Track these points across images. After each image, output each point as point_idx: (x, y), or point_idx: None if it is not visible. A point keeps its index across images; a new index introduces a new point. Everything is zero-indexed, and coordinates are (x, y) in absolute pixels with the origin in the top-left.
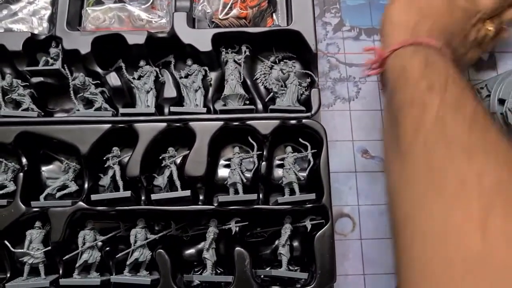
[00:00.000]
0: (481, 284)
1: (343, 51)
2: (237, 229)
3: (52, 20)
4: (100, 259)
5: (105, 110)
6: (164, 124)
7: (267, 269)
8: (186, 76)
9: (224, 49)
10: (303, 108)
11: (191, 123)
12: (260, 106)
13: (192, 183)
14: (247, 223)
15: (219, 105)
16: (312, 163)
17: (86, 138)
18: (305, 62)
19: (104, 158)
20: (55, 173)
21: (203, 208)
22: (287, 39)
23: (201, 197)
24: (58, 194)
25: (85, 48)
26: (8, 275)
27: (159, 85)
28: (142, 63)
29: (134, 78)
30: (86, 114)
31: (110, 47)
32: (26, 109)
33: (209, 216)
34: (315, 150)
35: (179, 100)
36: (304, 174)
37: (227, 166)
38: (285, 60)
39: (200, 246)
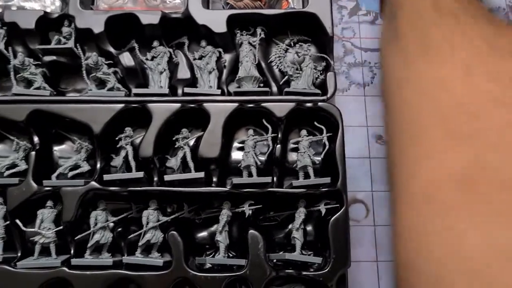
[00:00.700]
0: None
1: (359, 36)
2: (250, 212)
3: None
4: (112, 240)
5: (117, 90)
6: (178, 105)
7: (281, 253)
8: (200, 58)
9: (239, 31)
10: (318, 91)
11: (205, 105)
12: (274, 88)
13: (206, 165)
14: (260, 206)
15: (233, 87)
16: (327, 146)
17: (99, 117)
18: (321, 45)
19: (117, 139)
20: (67, 153)
21: (216, 190)
22: (303, 22)
23: (214, 179)
24: (70, 174)
25: (98, 28)
26: (19, 254)
27: (172, 66)
28: (155, 43)
29: (147, 59)
30: (99, 94)
31: (123, 27)
32: (38, 88)
33: (222, 198)
34: (331, 134)
35: (192, 82)
36: (319, 158)
37: (241, 148)
38: (300, 43)
39: (212, 229)
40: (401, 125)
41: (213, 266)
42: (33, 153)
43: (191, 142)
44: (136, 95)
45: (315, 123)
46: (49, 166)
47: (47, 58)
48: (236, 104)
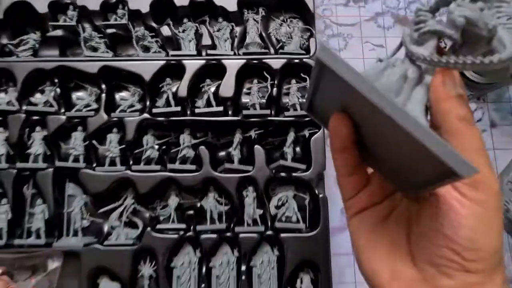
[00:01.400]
0: None
1: (336, 15)
2: (255, 135)
3: None
4: (158, 156)
5: (159, 53)
6: (203, 61)
7: (277, 162)
8: (218, 30)
9: (246, 10)
10: (304, 52)
11: (223, 61)
12: (272, 51)
13: (224, 102)
14: (262, 131)
15: (242, 51)
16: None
17: (148, 70)
18: (306, 21)
19: (160, 86)
20: (125, 96)
21: (231, 119)
22: (293, 4)
23: (230, 112)
24: (128, 110)
25: (144, 9)
26: (95, 164)
27: (198, 36)
28: (185, 20)
29: (179, 32)
30: (147, 55)
31: (163, 8)
32: (103, 52)
33: (235, 126)
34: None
35: (213, 47)
36: (304, 99)
37: (248, 93)
38: (291, 19)
39: (229, 149)
40: None
41: (229, 169)
42: (103, 95)
43: (213, 88)
44: (173, 55)
45: (301, 74)
46: (113, 105)
47: (109, 31)
48: (244, 61)
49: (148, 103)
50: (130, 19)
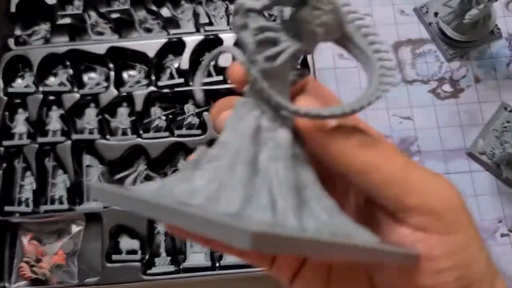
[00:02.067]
0: None
1: None
2: None
3: None
4: (166, 125)
5: (160, 33)
6: (202, 37)
7: None
8: (214, 9)
9: None
10: None
11: (220, 35)
12: None
13: (223, 72)
14: None
15: None
16: None
17: (151, 48)
18: None
19: (163, 62)
20: (132, 74)
21: (231, 86)
22: None
23: (229, 81)
24: (135, 86)
25: None
26: (108, 136)
27: (196, 16)
28: (183, 2)
29: (178, 13)
30: (150, 36)
31: None
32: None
33: (235, 92)
34: None
35: (210, 24)
36: None
37: None
38: None
39: None
40: None
41: None
42: (112, 73)
43: (212, 62)
44: (174, 34)
45: None
46: (121, 82)
47: (113, 16)
48: None
49: (153, 77)
50: (132, 4)
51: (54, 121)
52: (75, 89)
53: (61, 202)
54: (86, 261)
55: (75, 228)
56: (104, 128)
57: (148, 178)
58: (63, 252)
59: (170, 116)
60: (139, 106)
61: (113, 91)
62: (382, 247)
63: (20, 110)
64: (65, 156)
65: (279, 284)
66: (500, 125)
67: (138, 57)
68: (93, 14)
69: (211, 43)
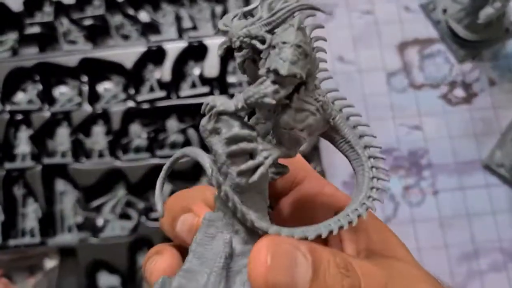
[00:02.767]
0: None
1: None
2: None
3: None
4: (147, 144)
5: (139, 41)
6: (185, 44)
7: None
8: (199, 12)
9: None
10: None
11: (205, 42)
12: None
13: (209, 82)
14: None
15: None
16: None
17: (129, 58)
18: None
19: (142, 73)
20: (108, 87)
21: None
22: None
23: (216, 93)
24: (112, 101)
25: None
26: (85, 158)
27: (178, 20)
28: (164, 5)
29: (158, 18)
30: (126, 44)
31: None
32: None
33: None
34: None
35: (194, 29)
36: None
37: (234, 73)
38: None
39: None
40: None
41: None
42: (86, 87)
43: (197, 71)
44: (154, 41)
45: None
46: (96, 97)
47: (86, 23)
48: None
49: (132, 91)
50: (108, 8)
51: (23, 144)
52: (46, 107)
53: (32, 235)
54: None
55: (49, 264)
56: (78, 150)
57: (129, 204)
58: None
59: (152, 135)
60: (116, 124)
61: (87, 108)
62: None
63: None
64: (36, 183)
65: None
66: None
67: (114, 68)
68: (65, 21)
69: (196, 50)
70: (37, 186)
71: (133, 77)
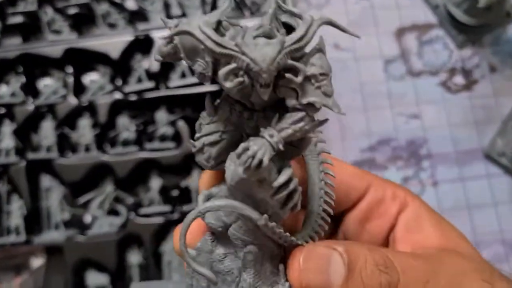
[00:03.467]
0: None
1: None
2: None
3: None
4: (135, 137)
5: (126, 29)
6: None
7: None
8: None
9: None
10: None
11: None
12: (248, 14)
13: None
14: None
15: None
16: None
17: (115, 48)
18: None
19: (130, 63)
20: (95, 79)
21: (207, 90)
22: None
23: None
24: (98, 93)
25: None
26: (71, 152)
27: (167, 7)
28: None
29: (146, 5)
30: (113, 33)
31: None
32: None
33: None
34: None
35: (183, 16)
36: None
37: None
38: None
39: None
40: None
41: None
42: (71, 79)
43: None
44: (142, 30)
45: None
46: (82, 89)
47: (72, 11)
48: None
49: (120, 83)
50: None
51: (6, 138)
52: (30, 100)
53: (18, 233)
54: None
55: (35, 263)
56: (64, 144)
57: (118, 200)
58: None
59: (141, 127)
60: (103, 116)
61: (73, 100)
62: None
63: None
64: (20, 179)
65: None
66: None
67: (100, 58)
68: (49, 10)
69: None
70: (21, 182)
71: (120, 68)
